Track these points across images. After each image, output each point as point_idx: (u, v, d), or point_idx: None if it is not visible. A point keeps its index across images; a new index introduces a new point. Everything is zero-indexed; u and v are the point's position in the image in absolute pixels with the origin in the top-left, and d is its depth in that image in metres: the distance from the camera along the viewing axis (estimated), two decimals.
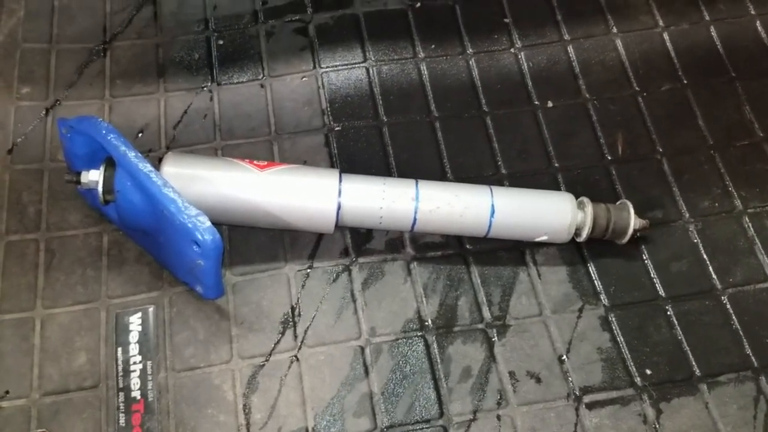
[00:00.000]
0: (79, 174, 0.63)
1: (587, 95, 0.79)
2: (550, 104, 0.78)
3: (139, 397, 0.61)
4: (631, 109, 0.78)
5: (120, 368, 0.62)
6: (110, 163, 0.62)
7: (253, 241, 0.68)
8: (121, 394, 0.61)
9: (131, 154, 0.60)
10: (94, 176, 0.63)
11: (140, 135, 0.75)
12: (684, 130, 0.77)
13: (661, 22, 0.83)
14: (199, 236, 0.57)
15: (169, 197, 0.58)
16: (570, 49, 0.81)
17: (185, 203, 0.58)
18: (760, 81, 0.80)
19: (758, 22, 0.83)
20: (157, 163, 0.66)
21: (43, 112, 0.75)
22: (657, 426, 0.61)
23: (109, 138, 0.61)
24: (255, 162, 0.65)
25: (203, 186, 0.63)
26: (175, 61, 0.80)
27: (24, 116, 0.74)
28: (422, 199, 0.65)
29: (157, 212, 0.60)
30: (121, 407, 0.61)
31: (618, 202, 0.69)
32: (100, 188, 0.62)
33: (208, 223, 0.57)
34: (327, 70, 0.80)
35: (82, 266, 0.67)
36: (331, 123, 0.76)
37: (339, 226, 0.66)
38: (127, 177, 0.61)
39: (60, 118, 0.65)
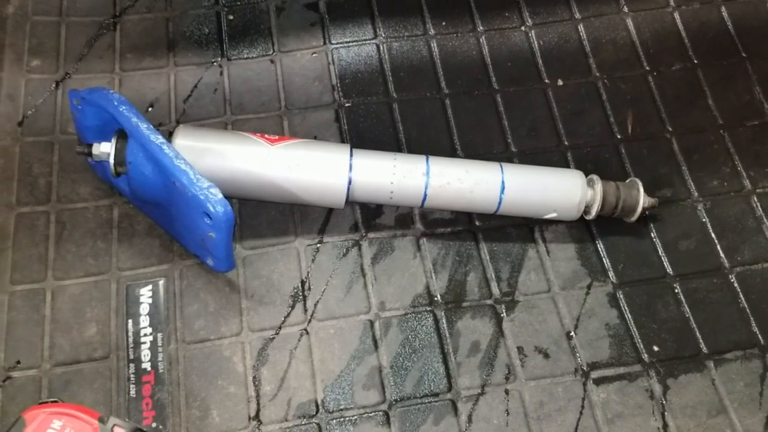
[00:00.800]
0: (90, 146, 0.63)
1: (597, 74, 0.78)
2: (560, 82, 0.78)
3: (149, 369, 0.62)
4: (642, 88, 0.78)
5: (131, 340, 0.63)
6: (122, 135, 0.62)
7: (263, 215, 0.68)
8: (132, 365, 0.62)
9: (143, 126, 0.60)
10: (105, 148, 0.63)
11: (150, 109, 0.75)
12: (694, 109, 0.77)
13: (672, 2, 0.83)
14: (211, 208, 0.57)
15: (181, 169, 0.58)
16: (581, 27, 0.81)
17: (197, 175, 0.58)
18: None
19: None
20: (168, 137, 0.66)
21: (53, 85, 0.75)
22: (664, 402, 0.61)
23: (121, 109, 0.61)
24: (266, 136, 0.65)
25: (214, 159, 0.63)
26: (185, 35, 0.80)
27: (34, 89, 0.74)
28: (433, 174, 0.65)
29: (168, 184, 0.60)
30: (132, 378, 0.61)
31: (628, 180, 0.69)
32: (111, 160, 0.62)
33: (220, 195, 0.57)
34: (337, 46, 0.79)
35: (92, 238, 0.67)
36: (341, 99, 0.76)
37: (349, 202, 0.66)
38: (138, 149, 0.61)
39: (71, 90, 0.65)
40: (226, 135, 0.66)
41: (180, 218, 0.62)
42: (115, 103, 0.61)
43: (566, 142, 0.74)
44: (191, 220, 0.60)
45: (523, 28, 0.81)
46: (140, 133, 0.60)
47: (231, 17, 0.81)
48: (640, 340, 0.64)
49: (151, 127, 0.61)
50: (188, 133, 0.64)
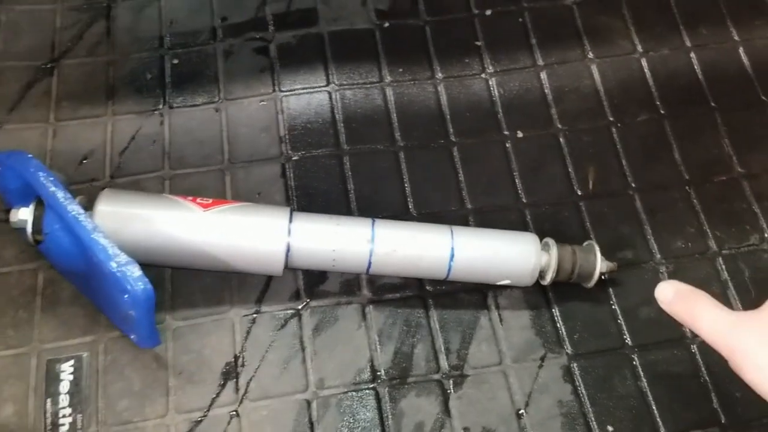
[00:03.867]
0: (8, 211, 0.59)
1: (559, 125, 0.75)
2: (520, 134, 0.74)
3: None
4: (605, 140, 0.74)
5: (48, 421, 0.58)
6: (41, 202, 0.58)
7: (197, 282, 0.64)
8: None
9: (60, 195, 0.56)
10: (23, 215, 0.59)
11: (84, 162, 0.70)
12: (659, 164, 0.73)
13: (639, 48, 0.79)
14: (129, 286, 0.53)
15: (98, 243, 0.54)
16: (543, 75, 0.77)
17: (115, 250, 0.54)
18: (742, 112, 0.76)
19: (741, 48, 0.80)
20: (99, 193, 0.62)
21: None
22: None
23: (37, 176, 0.57)
24: (199, 200, 0.61)
25: (141, 226, 0.59)
26: (126, 81, 0.75)
27: None
28: (378, 240, 0.61)
29: (87, 257, 0.56)
30: None
31: (585, 243, 0.65)
32: (29, 228, 0.58)
33: (139, 272, 0.53)
34: (287, 93, 0.75)
35: (14, 307, 0.63)
36: (289, 152, 0.72)
37: (289, 268, 0.62)
38: (56, 218, 0.57)
39: None
40: (154, 200, 0.61)
41: (101, 291, 0.58)
42: (32, 170, 0.57)
43: (524, 200, 0.71)
44: (111, 295, 0.56)
45: (483, 75, 0.77)
46: (57, 202, 0.56)
47: (175, 61, 0.77)
48: (593, 420, 0.60)
49: (69, 196, 0.56)
50: (113, 199, 0.60)
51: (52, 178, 0.57)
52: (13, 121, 0.72)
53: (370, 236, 0.61)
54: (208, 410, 0.59)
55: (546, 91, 0.77)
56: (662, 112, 0.76)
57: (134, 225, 0.59)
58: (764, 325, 0.45)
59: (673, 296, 0.51)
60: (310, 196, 0.70)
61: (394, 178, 0.71)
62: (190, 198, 0.61)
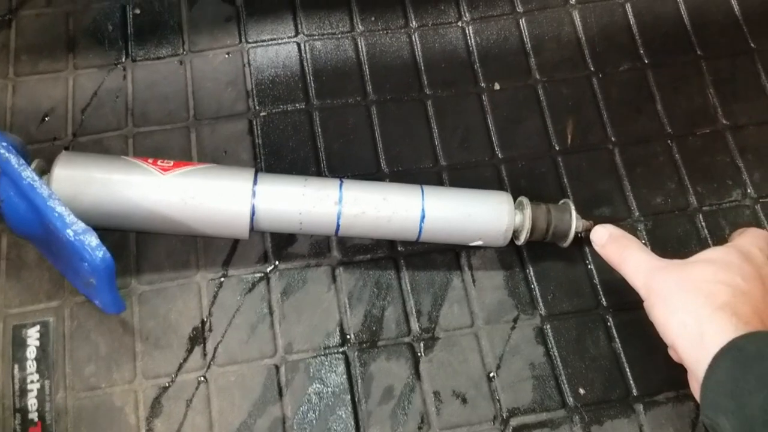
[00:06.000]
0: None
1: (538, 76, 0.72)
2: (497, 86, 0.71)
3: (36, 419, 0.57)
4: (585, 92, 0.71)
5: (17, 387, 0.58)
6: None
7: (162, 245, 0.62)
8: (18, 415, 0.57)
9: (13, 161, 0.54)
10: None
11: (45, 119, 0.68)
12: (641, 116, 0.71)
13: None
14: (87, 255, 0.51)
15: (54, 211, 0.52)
16: (522, 22, 0.74)
17: (72, 218, 0.52)
18: (729, 60, 0.73)
19: None
20: (61, 152, 0.59)
21: None
22: None
23: None
24: (160, 162, 0.59)
25: (99, 191, 0.57)
26: (87, 33, 0.72)
27: None
28: (346, 202, 0.59)
29: (45, 224, 0.54)
30: (18, 430, 0.57)
31: (560, 202, 0.63)
32: None
33: (96, 242, 0.52)
34: (254, 45, 0.72)
35: None
36: (257, 107, 0.69)
37: (255, 231, 0.61)
38: (11, 185, 0.55)
39: None
40: (112, 163, 0.59)
41: (62, 258, 0.57)
42: None
43: (500, 155, 0.68)
44: (72, 262, 0.54)
45: (459, 23, 0.74)
46: (11, 168, 0.54)
47: (137, 11, 0.73)
48: (565, 382, 0.60)
49: (23, 162, 0.54)
50: (71, 162, 0.58)
51: (4, 144, 0.55)
52: None
53: (337, 198, 0.59)
54: (176, 376, 0.58)
55: (525, 39, 0.73)
56: (645, 61, 0.73)
57: (92, 189, 0.57)
58: (683, 275, 0.49)
59: (606, 239, 0.55)
60: (279, 153, 0.67)
61: (365, 134, 0.69)
62: (151, 160, 0.59)
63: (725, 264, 0.48)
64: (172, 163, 0.59)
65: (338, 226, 0.60)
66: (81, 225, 0.52)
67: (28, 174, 0.54)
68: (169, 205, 0.58)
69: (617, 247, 0.55)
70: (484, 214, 0.61)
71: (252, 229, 0.60)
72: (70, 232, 0.52)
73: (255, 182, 0.59)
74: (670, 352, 0.54)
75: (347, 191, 0.60)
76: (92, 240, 0.52)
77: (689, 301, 0.47)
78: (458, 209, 0.61)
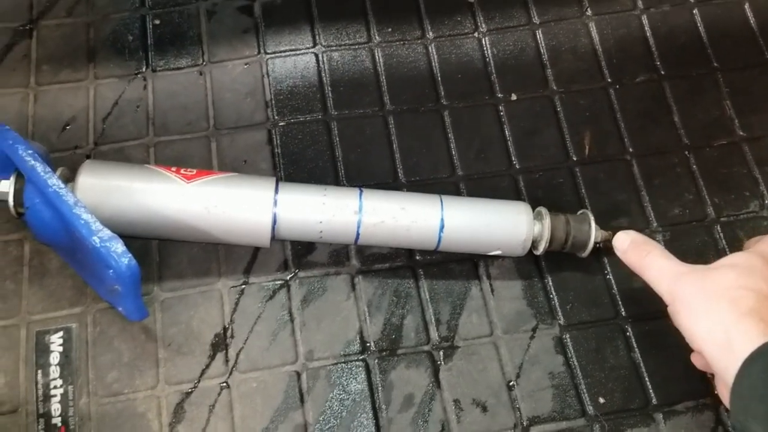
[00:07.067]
0: None
1: (555, 87, 0.72)
2: (513, 97, 0.72)
3: (59, 424, 0.57)
4: (602, 103, 0.72)
5: (40, 392, 0.58)
6: (22, 174, 0.57)
7: (184, 253, 0.63)
8: (42, 420, 0.58)
9: (40, 169, 0.55)
10: (4, 187, 0.57)
11: (67, 128, 0.69)
12: (657, 127, 0.71)
13: (640, 4, 0.76)
14: (113, 262, 0.52)
15: (80, 218, 0.53)
16: (539, 33, 0.75)
17: (98, 225, 0.53)
18: (745, 73, 0.73)
19: (747, 4, 0.76)
20: (84, 160, 0.60)
21: None
22: None
23: (16, 149, 0.55)
24: (183, 171, 0.60)
25: (124, 199, 0.58)
26: (107, 43, 0.73)
27: None
28: (366, 211, 0.60)
29: (70, 231, 0.54)
30: None
31: (579, 213, 0.63)
32: (10, 200, 0.57)
33: (122, 248, 0.52)
34: (272, 56, 0.73)
35: (1, 278, 0.62)
36: (275, 117, 0.70)
37: (276, 239, 0.61)
38: (36, 192, 0.55)
39: None
40: (136, 171, 0.60)
41: (87, 265, 0.57)
42: (10, 142, 0.55)
43: (517, 165, 0.69)
44: (96, 269, 0.55)
45: (476, 34, 0.75)
46: (37, 176, 0.55)
47: (157, 21, 0.74)
48: (585, 391, 0.60)
49: (49, 170, 0.55)
50: (95, 170, 0.59)
51: (30, 151, 0.55)
52: None
53: (357, 207, 0.60)
54: (198, 382, 0.59)
55: (541, 50, 0.74)
56: (662, 72, 0.73)
57: (116, 197, 0.58)
58: (706, 281, 0.49)
59: (629, 245, 0.55)
60: (297, 163, 0.68)
61: (382, 144, 0.69)
62: (174, 169, 0.60)
63: (748, 269, 0.48)
64: (194, 171, 0.60)
65: (358, 235, 0.60)
66: (107, 232, 0.53)
67: (53, 182, 0.55)
68: (193, 213, 0.58)
69: (639, 252, 0.55)
70: (503, 224, 0.61)
71: (273, 237, 0.60)
72: (96, 240, 0.52)
73: (276, 191, 0.60)
74: (693, 359, 0.54)
75: (367, 201, 0.60)
76: (118, 247, 0.52)
77: (713, 308, 0.47)
78: (477, 219, 0.61)
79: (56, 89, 0.70)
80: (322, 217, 0.60)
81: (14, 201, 0.57)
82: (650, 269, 0.53)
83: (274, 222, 0.59)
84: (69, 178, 0.59)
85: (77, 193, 0.57)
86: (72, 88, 0.71)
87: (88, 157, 0.67)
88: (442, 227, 0.60)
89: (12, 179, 0.57)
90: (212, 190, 0.59)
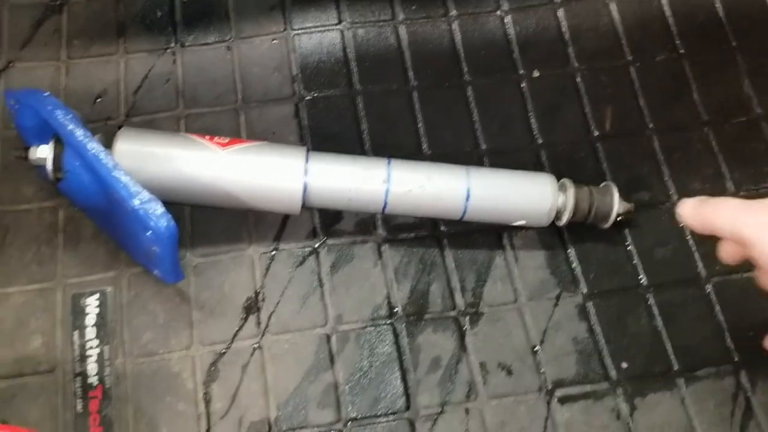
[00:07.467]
0: (27, 149, 0.59)
1: (576, 64, 0.74)
2: (536, 74, 0.73)
3: (96, 383, 0.59)
4: (623, 80, 0.73)
5: (77, 352, 0.60)
6: (60, 139, 0.58)
7: (216, 220, 0.64)
8: (78, 379, 0.59)
9: (78, 133, 0.56)
10: (43, 153, 0.59)
11: (98, 101, 0.70)
12: (677, 104, 0.72)
13: None
14: (152, 223, 0.53)
15: (120, 181, 0.54)
16: (560, 12, 0.76)
17: (137, 187, 0.54)
18: (763, 52, 0.75)
19: None
20: (116, 132, 0.61)
21: None
22: (630, 422, 0.59)
23: (55, 114, 0.57)
24: (216, 139, 0.61)
25: (159, 165, 0.59)
26: (137, 19, 0.74)
27: None
28: (394, 181, 0.61)
29: (108, 194, 0.56)
30: (78, 393, 0.59)
31: (602, 185, 0.65)
32: (49, 166, 0.59)
33: (161, 209, 0.54)
34: (299, 32, 0.74)
35: (36, 243, 0.63)
36: (302, 91, 0.71)
37: (306, 207, 0.63)
38: (75, 156, 0.57)
39: (7, 90, 0.60)
40: (172, 139, 0.61)
41: (123, 228, 0.59)
42: (49, 108, 0.57)
43: (540, 140, 0.70)
44: (134, 232, 0.56)
45: (498, 12, 0.76)
46: (76, 141, 0.56)
47: None
48: (608, 356, 0.61)
49: (88, 134, 0.56)
50: (131, 137, 0.60)
51: (70, 116, 0.57)
52: (24, 59, 0.71)
53: (385, 176, 0.61)
54: (231, 342, 0.60)
55: (563, 29, 0.75)
56: (681, 51, 0.75)
57: (153, 164, 0.59)
58: None
59: (696, 202, 0.49)
60: (324, 136, 0.69)
61: (407, 119, 0.71)
62: (208, 137, 0.61)
63: None
64: (228, 139, 0.61)
65: (386, 203, 0.62)
66: (146, 194, 0.54)
67: (93, 145, 0.56)
68: (227, 180, 0.60)
69: (708, 206, 0.48)
70: (528, 194, 0.63)
71: (304, 205, 0.62)
72: (135, 201, 0.54)
73: (307, 160, 0.61)
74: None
75: (395, 170, 0.62)
76: (157, 208, 0.54)
77: None
78: (503, 189, 0.63)
79: (87, 63, 0.72)
80: (351, 185, 0.61)
81: (53, 166, 0.58)
82: (724, 217, 0.47)
83: (305, 189, 0.61)
84: (106, 145, 0.60)
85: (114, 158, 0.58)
86: (102, 62, 0.72)
87: (119, 128, 0.69)
88: (468, 196, 0.62)
89: (51, 144, 0.59)
90: (245, 158, 0.60)
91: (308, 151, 0.62)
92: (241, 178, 0.60)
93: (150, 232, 0.54)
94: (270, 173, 0.60)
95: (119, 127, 0.68)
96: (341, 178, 0.61)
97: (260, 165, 0.60)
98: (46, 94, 0.58)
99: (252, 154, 0.61)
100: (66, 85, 0.71)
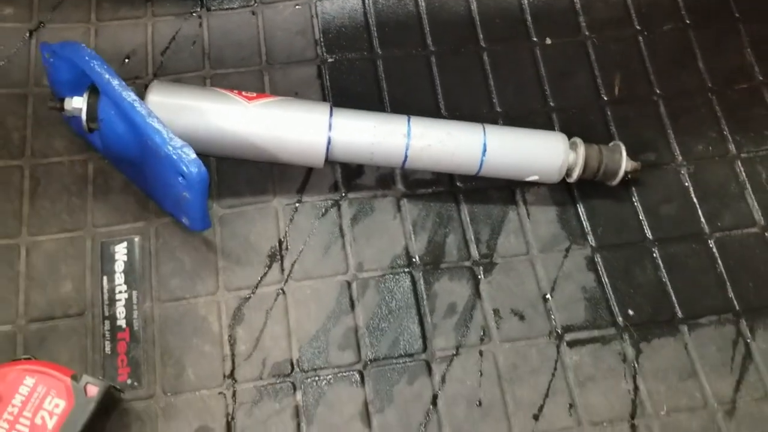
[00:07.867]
0: (62, 101, 0.62)
1: (587, 33, 0.77)
2: (548, 41, 0.76)
3: (124, 326, 0.62)
4: (631, 49, 0.76)
5: (106, 297, 0.62)
6: (94, 90, 0.61)
7: (241, 173, 0.67)
8: (107, 322, 0.62)
9: (115, 82, 0.59)
10: (77, 103, 0.61)
11: (127, 61, 0.73)
12: (683, 72, 0.75)
13: None
14: (185, 168, 0.56)
15: (154, 127, 0.57)
16: None
17: (170, 134, 0.57)
18: (764, 23, 0.78)
19: None
20: (144, 91, 0.64)
21: (27, 35, 0.72)
22: (636, 365, 0.62)
23: (92, 65, 0.59)
24: (244, 93, 0.64)
25: (189, 117, 0.62)
26: None
27: (7, 38, 0.72)
28: (414, 135, 0.64)
29: (141, 142, 0.59)
30: (107, 335, 0.61)
31: (611, 144, 0.68)
32: (84, 116, 0.61)
33: (194, 155, 0.56)
34: None
35: (67, 194, 0.66)
36: (324, 54, 0.74)
37: (329, 161, 0.65)
38: (111, 105, 0.59)
39: (43, 43, 0.63)
40: (202, 92, 0.64)
41: (154, 177, 0.61)
42: (87, 59, 0.59)
43: (552, 104, 0.73)
44: (165, 179, 0.59)
45: None
46: (112, 90, 0.59)
47: None
48: (615, 304, 0.64)
49: (123, 83, 0.59)
50: (163, 90, 0.63)
51: (106, 66, 0.59)
52: (55, 20, 0.74)
53: (406, 131, 0.64)
54: (256, 288, 0.63)
55: None
56: (687, 21, 0.78)
57: (184, 115, 0.62)
58: None
59: None
60: (345, 97, 0.72)
61: (426, 82, 0.74)
62: (236, 91, 0.64)
63: None
64: (254, 94, 0.64)
65: (406, 157, 0.65)
66: (179, 140, 0.57)
67: (128, 94, 0.59)
68: (255, 132, 0.62)
69: None
70: (541, 151, 0.66)
71: (327, 158, 0.64)
72: (169, 147, 0.57)
73: (331, 115, 0.64)
74: None
75: (415, 126, 0.65)
76: (190, 153, 0.56)
77: None
78: (517, 145, 0.66)
79: (116, 25, 0.75)
80: (373, 140, 0.64)
81: (87, 116, 0.61)
82: None
83: (329, 143, 0.63)
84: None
85: None
86: (131, 24, 0.75)
87: (146, 87, 0.71)
88: (484, 151, 0.64)
89: (85, 95, 0.61)
90: (272, 112, 0.63)
91: (332, 107, 0.65)
92: (267, 131, 0.63)
93: (182, 177, 0.57)
94: (295, 127, 0.63)
95: (146, 87, 0.71)
96: (364, 132, 0.64)
97: (286, 119, 0.63)
98: (83, 45, 0.61)
99: (278, 109, 0.64)
100: (95, 46, 0.73)
